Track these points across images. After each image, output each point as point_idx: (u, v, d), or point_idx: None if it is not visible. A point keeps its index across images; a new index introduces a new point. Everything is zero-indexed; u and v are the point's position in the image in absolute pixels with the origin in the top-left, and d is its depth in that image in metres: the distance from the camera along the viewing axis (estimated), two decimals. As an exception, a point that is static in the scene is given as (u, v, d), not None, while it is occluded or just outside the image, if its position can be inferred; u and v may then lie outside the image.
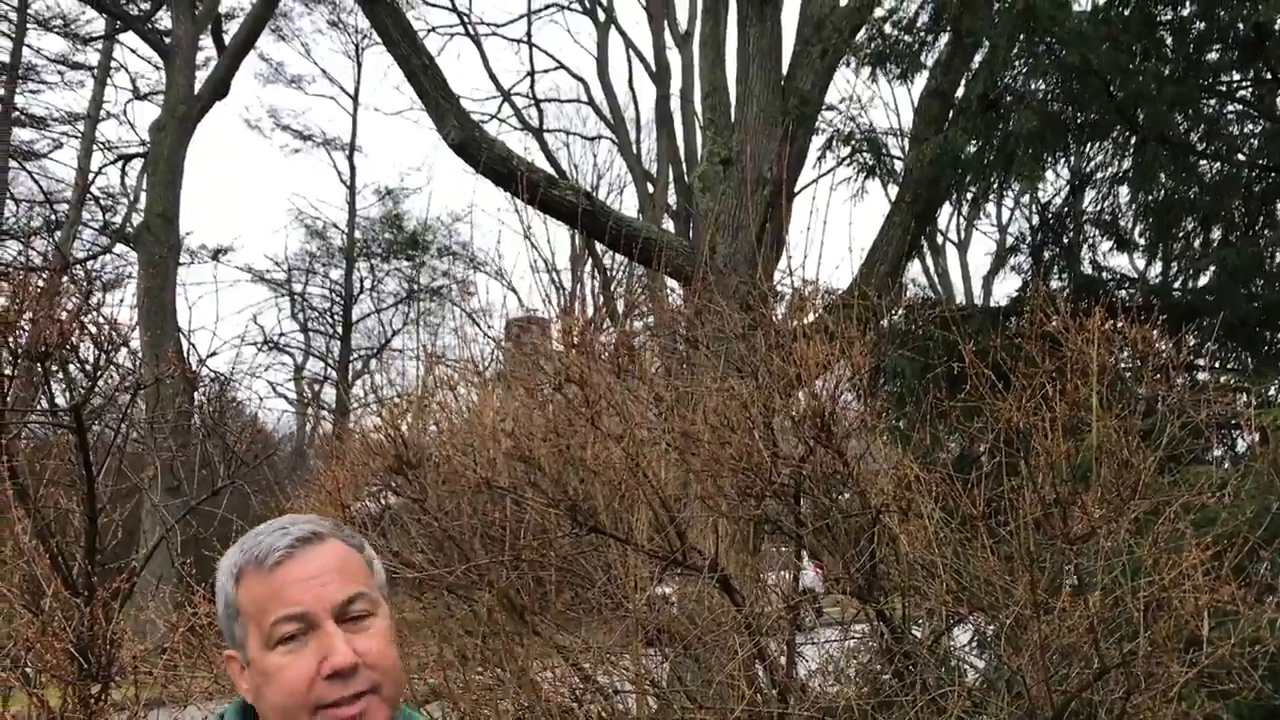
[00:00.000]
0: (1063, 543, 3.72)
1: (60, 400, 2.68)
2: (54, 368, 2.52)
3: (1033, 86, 8.30)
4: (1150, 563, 3.80)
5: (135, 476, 3.51)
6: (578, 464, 4.22)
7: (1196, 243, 9.63)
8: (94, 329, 2.54)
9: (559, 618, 4.61)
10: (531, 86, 28.55)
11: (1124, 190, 9.84)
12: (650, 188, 26.43)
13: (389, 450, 4.73)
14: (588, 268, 26.38)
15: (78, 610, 2.46)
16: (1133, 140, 8.84)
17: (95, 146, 24.32)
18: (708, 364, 4.67)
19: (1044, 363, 3.95)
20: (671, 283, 9.88)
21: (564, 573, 4.55)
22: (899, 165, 10.09)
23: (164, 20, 21.17)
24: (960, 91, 9.31)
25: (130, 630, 3.28)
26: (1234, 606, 3.99)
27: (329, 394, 31.94)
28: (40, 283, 2.72)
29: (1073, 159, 9.82)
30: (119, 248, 24.97)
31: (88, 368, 2.53)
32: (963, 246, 35.53)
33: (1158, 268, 10.10)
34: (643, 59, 26.76)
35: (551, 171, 10.05)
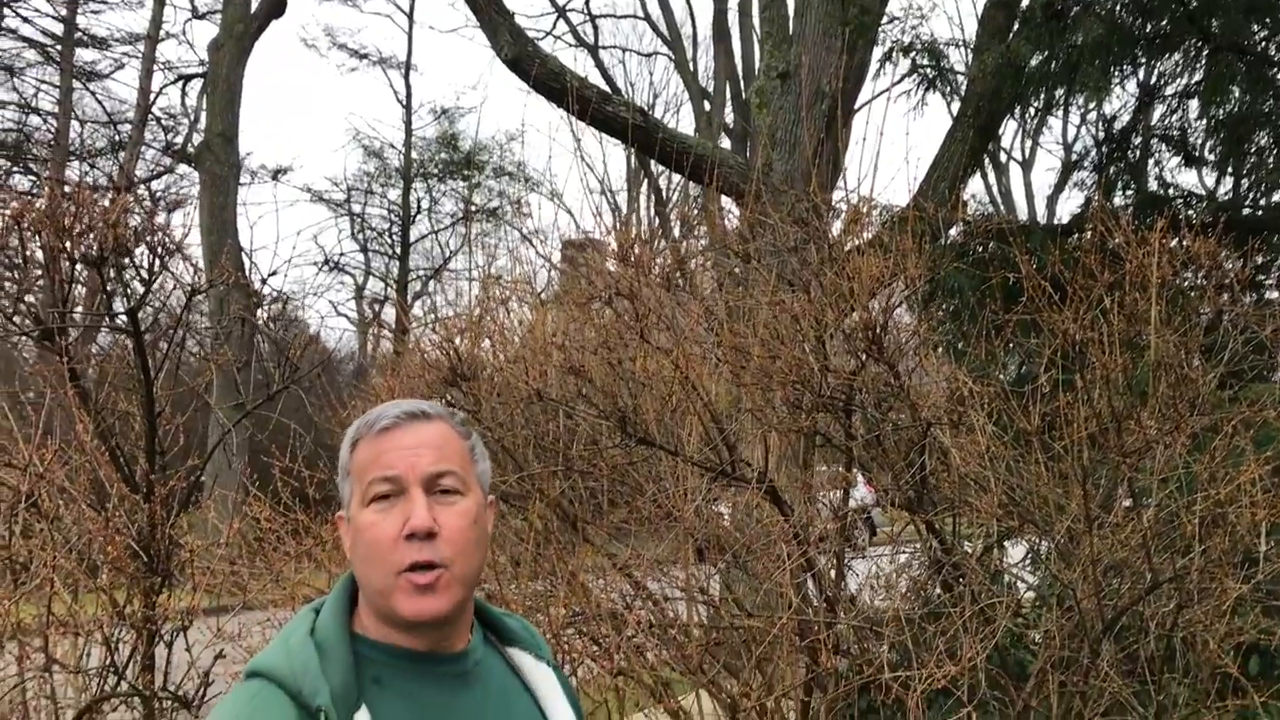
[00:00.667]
0: (1117, 457, 3.68)
1: (117, 305, 2.76)
2: (110, 273, 2.58)
3: (1100, -5, 8.02)
4: (1206, 477, 3.76)
5: (191, 380, 3.60)
6: (627, 377, 4.24)
7: (1270, 158, 9.33)
8: (148, 236, 2.59)
9: (610, 527, 4.68)
10: (586, 2, 28.12)
11: (1194, 104, 9.51)
12: (707, 105, 26.04)
13: (444, 364, 4.79)
14: (643, 188, 26.22)
15: (138, 508, 2.56)
16: (1204, 51, 8.53)
17: (156, 67, 24.49)
18: (760, 278, 4.64)
19: (1103, 276, 3.88)
20: (727, 202, 9.79)
21: (615, 483, 4.60)
22: (961, 79, 9.85)
23: (220, -62, 21.11)
24: (1025, 1, 9.01)
25: (194, 535, 3.40)
26: (1291, 522, 3.95)
27: (389, 314, 32.28)
28: (107, 202, 2.76)
29: (1141, 72, 9.50)
30: (181, 168, 25.26)
31: (143, 273, 2.59)
32: (1027, 165, 34.70)
33: (1227, 184, 9.81)
34: (700, -28, 26.23)
35: (606, 89, 9.95)
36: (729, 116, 25.02)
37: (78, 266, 2.47)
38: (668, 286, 4.21)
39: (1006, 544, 5.54)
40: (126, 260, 2.54)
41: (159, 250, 2.59)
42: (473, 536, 1.48)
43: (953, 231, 8.64)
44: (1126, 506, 4.79)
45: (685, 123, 31.02)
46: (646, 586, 4.45)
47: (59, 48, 24.48)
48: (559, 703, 1.63)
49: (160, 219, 2.84)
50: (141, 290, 2.64)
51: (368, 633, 1.46)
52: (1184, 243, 4.47)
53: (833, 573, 4.78)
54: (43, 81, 24.82)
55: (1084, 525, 3.95)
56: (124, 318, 2.61)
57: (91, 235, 2.39)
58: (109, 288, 2.58)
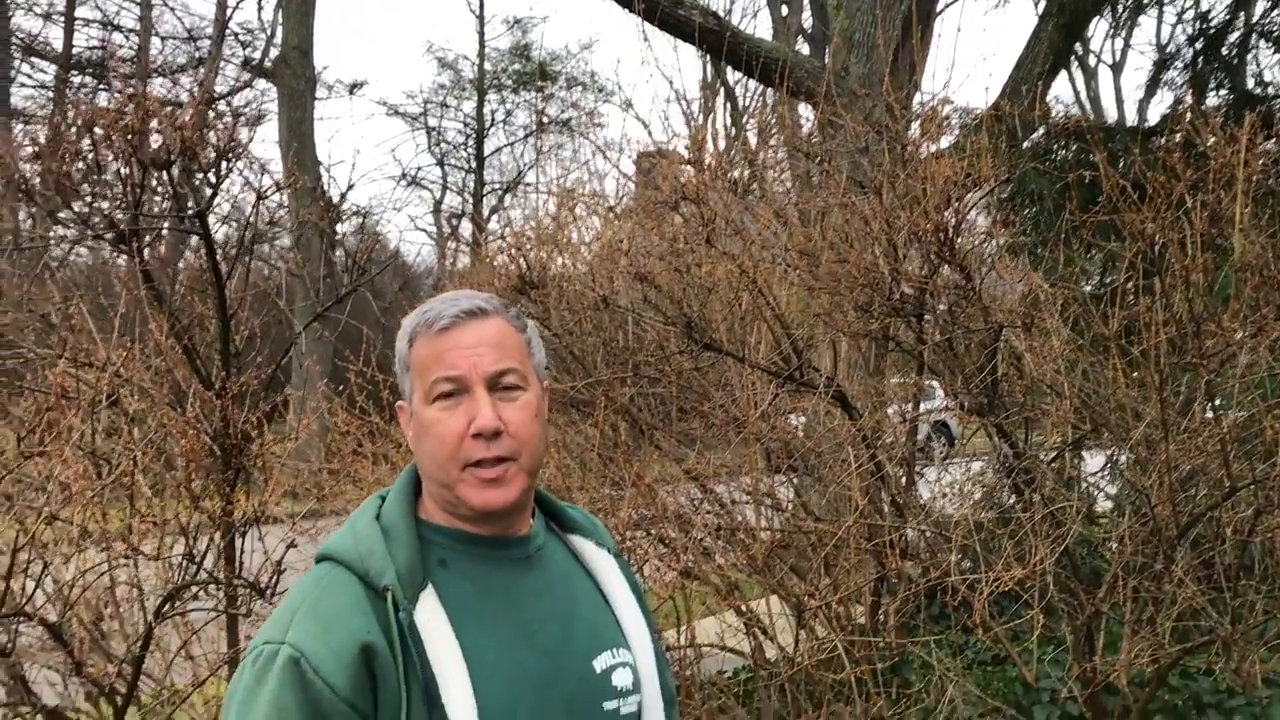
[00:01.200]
0: (1196, 361, 3.58)
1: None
2: (179, 176, 2.63)
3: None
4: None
5: (264, 284, 3.68)
6: (694, 283, 4.23)
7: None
8: (214, 137, 2.63)
9: (678, 434, 4.71)
10: (661, -95, 27.34)
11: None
12: (784, 11, 25.41)
13: (514, 272, 4.82)
14: (719, 97, 25.79)
15: (214, 406, 2.64)
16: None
17: (232, -19, 24.57)
18: (832, 182, 4.56)
19: (1186, 175, 3.73)
20: (803, 108, 9.57)
21: (682, 390, 4.62)
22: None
23: None
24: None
25: (275, 437, 3.50)
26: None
27: (466, 228, 32.43)
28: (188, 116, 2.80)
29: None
30: (259, 83, 25.45)
31: (210, 175, 2.64)
32: (1117, 68, 33.33)
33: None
34: None
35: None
36: (806, 21, 24.37)
37: (149, 171, 2.52)
38: (736, 191, 4.15)
39: (1085, 455, 5.47)
40: (194, 163, 2.59)
41: (225, 152, 2.63)
42: (535, 429, 1.53)
43: (1035, 135, 8.38)
44: (1206, 407, 4.69)
45: (763, 29, 30.32)
46: (714, 491, 4.48)
47: (138, -36, 24.68)
48: (620, 587, 1.66)
49: (235, 130, 2.86)
50: (209, 192, 2.69)
51: (432, 518, 1.51)
52: (1274, 138, 4.28)
53: (902, 479, 4.77)
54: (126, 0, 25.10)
55: (1161, 431, 3.88)
56: (193, 219, 2.66)
57: (160, 138, 2.44)
58: (178, 190, 2.63)
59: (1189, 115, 4.12)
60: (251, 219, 3.05)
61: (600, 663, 1.54)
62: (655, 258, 4.11)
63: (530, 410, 1.52)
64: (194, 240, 2.87)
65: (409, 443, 1.56)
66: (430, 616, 1.39)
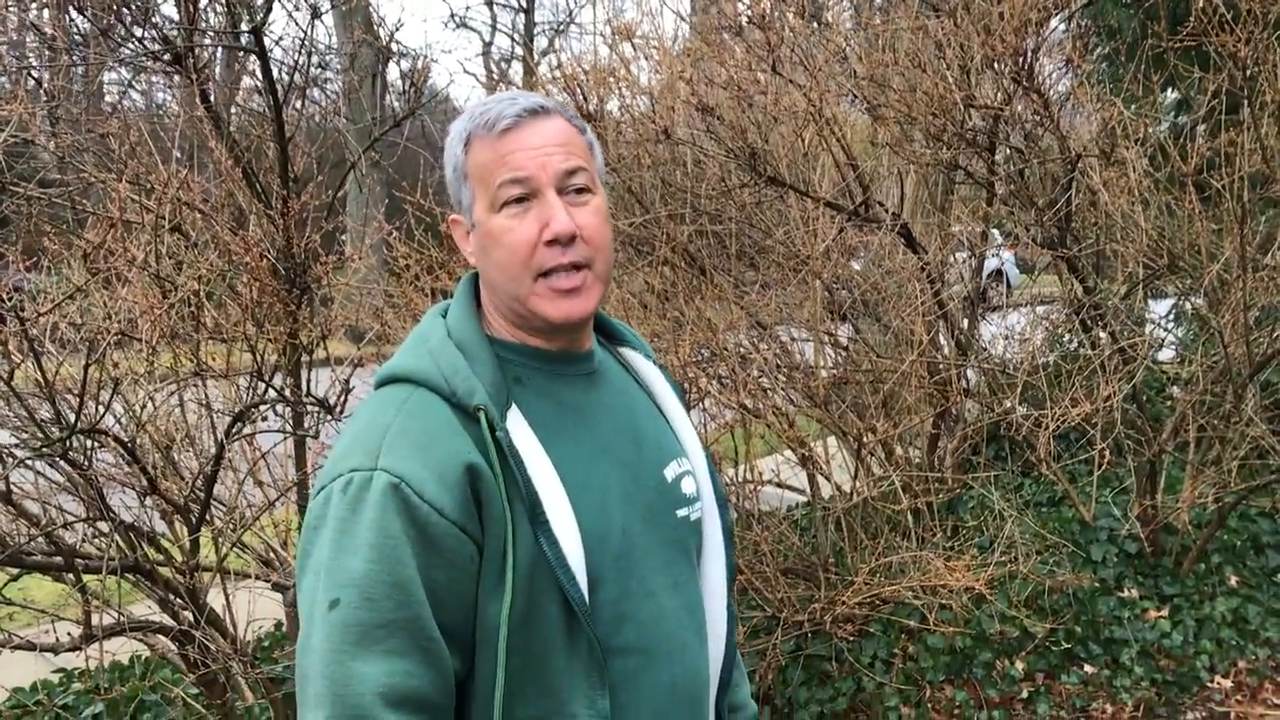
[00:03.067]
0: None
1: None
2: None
3: None
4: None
5: (320, 105, 3.61)
6: (758, 114, 4.09)
7: None
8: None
9: (737, 273, 4.64)
10: None
11: None
12: None
13: (568, 101, 4.69)
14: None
15: (275, 228, 2.61)
16: None
17: None
18: (904, 3, 4.35)
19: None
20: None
21: (743, 228, 4.53)
22: None
23: None
24: None
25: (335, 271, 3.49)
26: None
27: (516, 72, 31.78)
28: None
29: None
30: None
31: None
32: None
33: None
34: None
35: None
36: None
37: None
38: (803, 13, 3.98)
39: (1149, 299, 5.35)
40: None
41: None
42: (608, 233, 1.46)
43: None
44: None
45: None
46: (774, 330, 4.44)
47: None
48: (671, 398, 1.63)
49: None
50: (264, 9, 2.59)
51: (501, 335, 1.45)
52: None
53: (965, 320, 4.70)
54: None
55: (1238, 269, 3.76)
56: (249, 37, 2.58)
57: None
58: (232, 7, 2.56)
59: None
60: (307, 39, 2.97)
61: (670, 472, 1.52)
62: (719, 87, 3.96)
63: (601, 214, 1.43)
64: (249, 66, 2.82)
65: (468, 257, 1.48)
66: (521, 436, 1.34)
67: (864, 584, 3.42)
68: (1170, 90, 5.67)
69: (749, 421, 4.06)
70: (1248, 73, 3.54)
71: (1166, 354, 6.05)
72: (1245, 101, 3.73)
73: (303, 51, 3.02)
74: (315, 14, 2.99)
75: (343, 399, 2.72)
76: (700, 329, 3.87)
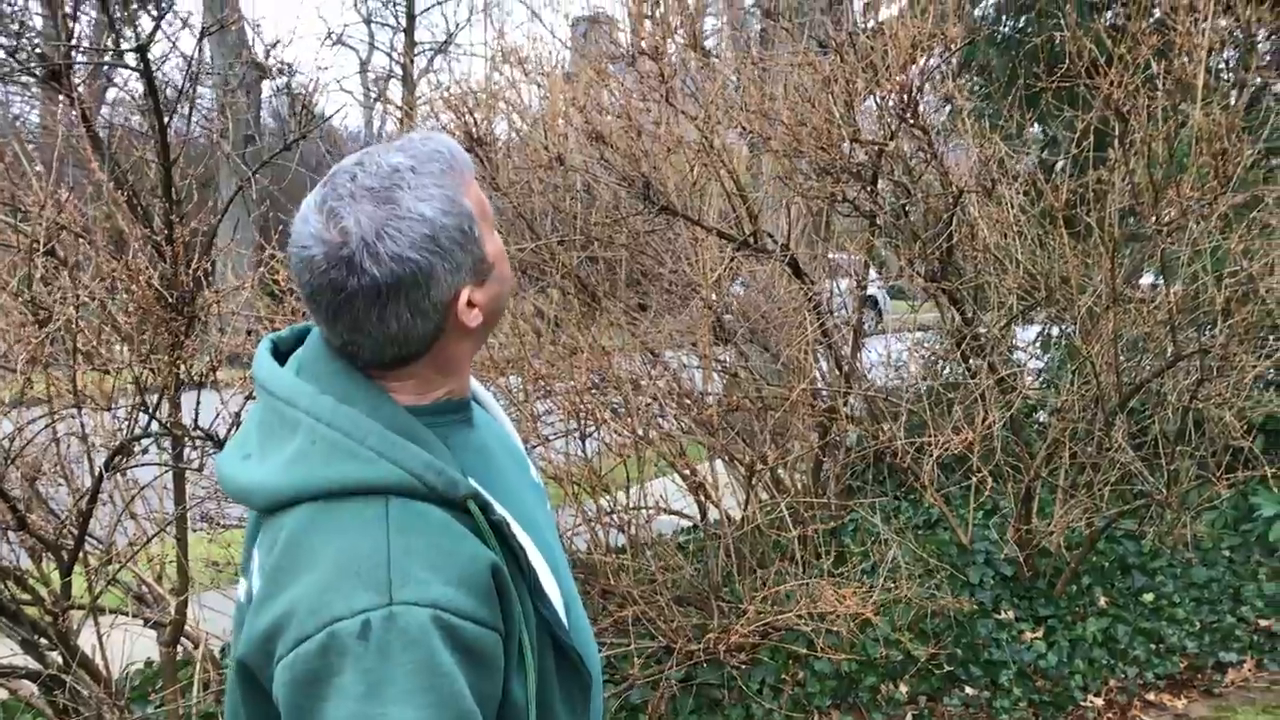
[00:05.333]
0: (1154, 228, 3.61)
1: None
2: (116, 8, 2.43)
3: None
4: (1240, 249, 3.70)
5: (207, 125, 3.48)
6: (651, 141, 4.12)
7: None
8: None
9: (628, 299, 4.65)
10: None
11: None
12: None
13: (458, 127, 4.65)
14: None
15: (160, 253, 2.50)
16: None
17: None
18: (788, 42, 4.45)
19: (1150, 39, 3.70)
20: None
21: (634, 254, 4.55)
22: None
23: None
24: None
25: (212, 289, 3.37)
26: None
27: (395, 91, 31.37)
28: None
29: None
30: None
31: (151, 8, 2.43)
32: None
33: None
34: None
35: None
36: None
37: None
38: (694, 46, 4.02)
39: (1016, 327, 5.56)
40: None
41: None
42: None
43: (982, 4, 8.29)
44: (1150, 284, 4.76)
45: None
46: (663, 357, 4.46)
47: None
48: (505, 418, 1.54)
49: None
50: (151, 26, 2.48)
51: (412, 400, 1.26)
52: (1235, 14, 4.26)
53: (847, 347, 4.79)
54: None
55: (1108, 300, 3.93)
56: (134, 55, 2.47)
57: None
58: (116, 23, 2.45)
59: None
60: (194, 59, 2.85)
61: (545, 496, 1.48)
62: (613, 116, 3.98)
63: None
64: (118, 81, 2.71)
65: (471, 323, 1.23)
66: (491, 501, 1.21)
67: (756, 612, 3.45)
68: (1039, 127, 5.91)
69: (641, 449, 4.06)
70: (1123, 112, 3.70)
71: (1032, 377, 6.30)
72: (1115, 141, 3.91)
73: (189, 74, 2.91)
74: (204, 33, 2.88)
75: (235, 424, 2.61)
76: (595, 356, 3.86)
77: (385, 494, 1.14)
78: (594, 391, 3.85)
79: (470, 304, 1.22)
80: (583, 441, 3.75)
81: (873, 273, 6.24)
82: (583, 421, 3.70)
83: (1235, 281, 3.77)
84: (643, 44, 3.92)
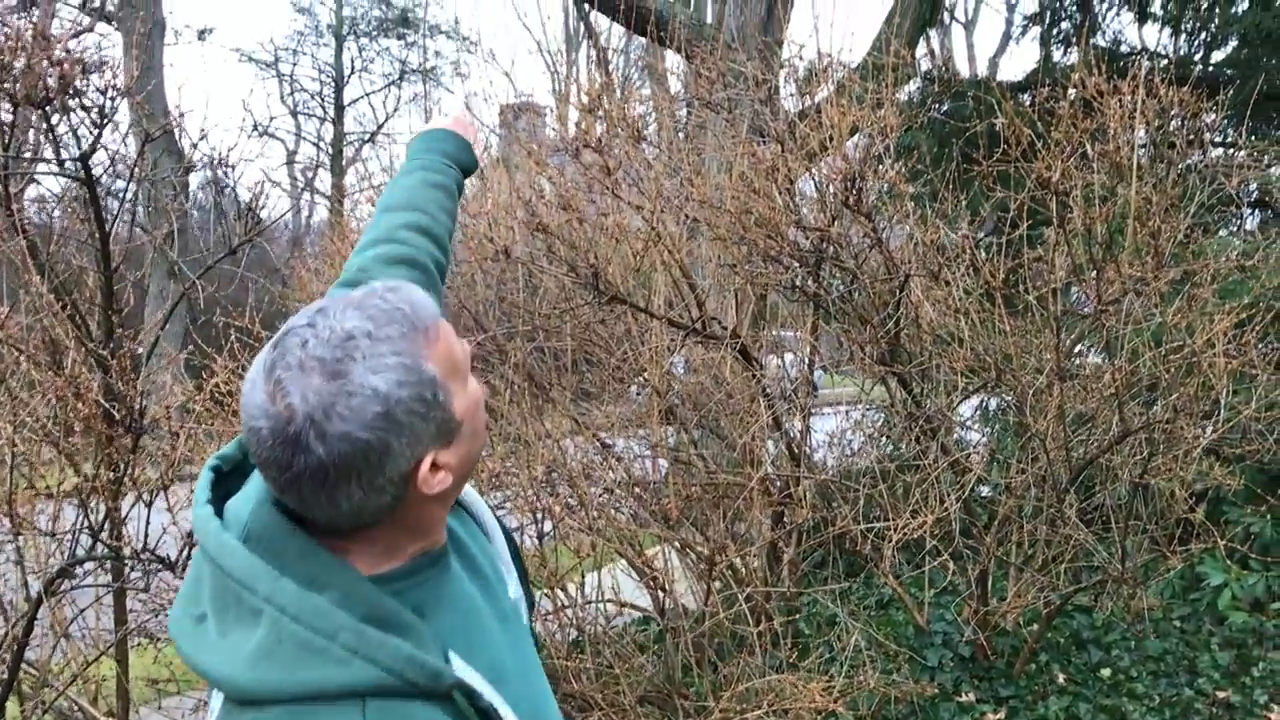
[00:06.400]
0: (1098, 306, 3.67)
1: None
2: (55, 116, 2.36)
3: None
4: (1184, 325, 3.77)
5: (150, 234, 3.38)
6: (597, 231, 4.12)
7: (1217, 13, 9.35)
8: (94, 77, 2.36)
9: (577, 389, 4.62)
10: None
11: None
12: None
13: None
14: (582, 49, 25.47)
15: (102, 365, 2.41)
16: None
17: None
18: (726, 131, 4.50)
19: (1083, 123, 3.80)
20: (674, 59, 9.50)
21: (583, 344, 4.52)
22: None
23: None
24: None
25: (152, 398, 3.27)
26: (1256, 372, 4.00)
27: (323, 181, 31.37)
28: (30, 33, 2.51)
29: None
30: (101, 27, 23.94)
31: (93, 115, 2.36)
32: (969, 26, 34.22)
33: (1176, 42, 9.83)
34: None
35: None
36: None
37: (19, 108, 2.26)
38: (637, 140, 4.05)
39: (971, 393, 5.62)
40: (74, 101, 2.32)
41: (108, 91, 2.37)
42: None
43: (908, 88, 8.51)
44: (1093, 361, 4.83)
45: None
46: (613, 448, 4.42)
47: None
48: (482, 510, 1.46)
49: (110, 72, 2.57)
50: (93, 134, 2.41)
51: (390, 563, 1.18)
52: (1155, 95, 4.40)
53: (799, 429, 4.79)
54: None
55: (1053, 376, 3.97)
56: (75, 163, 2.39)
57: (30, 70, 2.16)
58: (56, 132, 2.37)
59: (1077, 69, 4.18)
60: (137, 165, 2.79)
61: (521, 612, 1.40)
62: (558, 208, 3.97)
63: None
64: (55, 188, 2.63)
65: (434, 488, 1.14)
66: (473, 681, 1.14)
67: (721, 711, 3.37)
68: (977, 208, 6.04)
69: (597, 544, 3.99)
70: (1060, 193, 3.78)
71: (974, 444, 6.34)
72: (1053, 220, 3.99)
73: (134, 174, 2.85)
74: (148, 138, 2.82)
75: (184, 553, 2.50)
76: (547, 450, 3.81)
77: (362, 696, 1.04)
78: (545, 484, 3.79)
79: (436, 467, 1.14)
80: (539, 541, 3.68)
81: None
82: (539, 519, 3.63)
83: (1179, 357, 3.83)
84: (585, 136, 3.93)
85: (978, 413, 6.85)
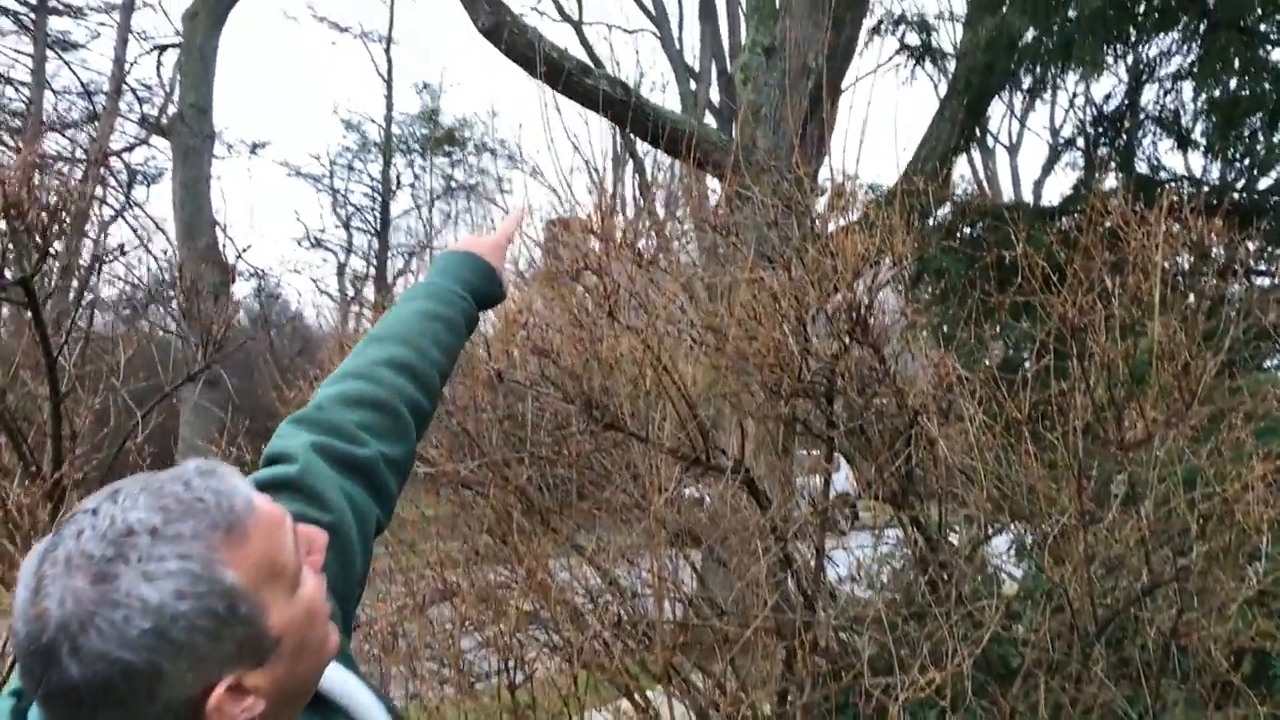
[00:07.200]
0: (1116, 449, 3.44)
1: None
2: (4, 239, 2.27)
3: (1097, -32, 7.78)
4: (1213, 472, 3.52)
5: (103, 359, 3.29)
6: (597, 358, 3.98)
7: (1262, 141, 9.21)
8: (46, 195, 2.28)
9: (576, 517, 4.43)
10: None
11: (1187, 86, 9.35)
12: (693, 85, 25.67)
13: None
14: (628, 168, 25.87)
15: (43, 497, 2.27)
16: (1202, 28, 8.33)
17: (131, 35, 23.91)
18: (738, 254, 4.38)
19: (1103, 256, 3.63)
20: (712, 182, 9.52)
21: (583, 470, 4.35)
22: (950, 58, 9.64)
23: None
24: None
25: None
26: (1297, 522, 3.73)
27: (371, 292, 31.90)
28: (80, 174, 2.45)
29: (1132, 54, 9.31)
30: (156, 140, 24.72)
31: (37, 237, 2.27)
32: (1013, 150, 34.47)
33: (1214, 169, 9.70)
34: (686, -54, 25.82)
35: (589, 63, 9.65)
36: (715, 95, 24.68)
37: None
38: (639, 262, 3.93)
39: (990, 534, 5.33)
40: (19, 222, 2.24)
41: (57, 212, 2.28)
42: None
43: (940, 212, 8.42)
44: (1122, 496, 4.56)
45: (672, 102, 30.65)
46: (615, 579, 4.21)
47: (32, 16, 23.91)
48: (358, 695, 1.25)
49: (143, 202, 2.51)
50: (37, 255, 2.32)
51: None
52: (1186, 225, 4.23)
53: (812, 564, 4.55)
54: (18, 51, 24.24)
55: (1076, 520, 3.72)
56: (16, 287, 2.31)
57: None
58: (4, 253, 2.29)
59: (1100, 196, 4.04)
60: (90, 285, 2.72)
61: None
62: (556, 330, 3.85)
63: None
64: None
65: (273, 689, 0.98)
66: None
67: None
68: (997, 340, 5.85)
69: (587, 678, 3.77)
70: (1073, 332, 3.60)
71: (1012, 585, 6.02)
72: (1073, 358, 3.79)
73: (83, 296, 2.77)
74: (99, 261, 2.76)
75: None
76: (534, 586, 3.61)
77: None
78: (532, 626, 3.58)
79: (241, 691, 0.94)
80: (512, 692, 3.45)
81: (846, 473, 6.03)
82: (513, 667, 3.41)
83: (1210, 505, 3.58)
84: (585, 258, 3.83)
85: (1013, 546, 6.55)
